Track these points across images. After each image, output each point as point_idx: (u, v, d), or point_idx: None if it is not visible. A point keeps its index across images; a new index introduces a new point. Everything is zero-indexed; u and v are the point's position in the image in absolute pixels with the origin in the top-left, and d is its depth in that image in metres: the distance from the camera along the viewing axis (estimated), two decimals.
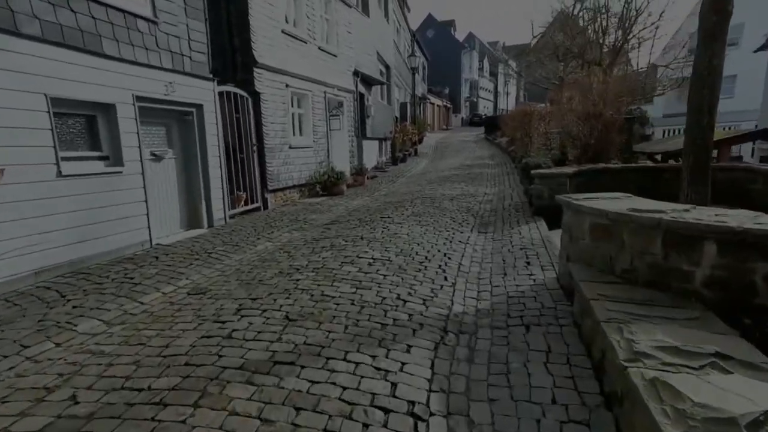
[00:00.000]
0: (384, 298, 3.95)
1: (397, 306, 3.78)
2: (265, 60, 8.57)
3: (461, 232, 6.53)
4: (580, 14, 16.00)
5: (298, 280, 4.43)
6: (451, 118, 50.46)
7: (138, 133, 5.48)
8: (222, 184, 7.24)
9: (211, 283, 4.50)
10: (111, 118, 5.16)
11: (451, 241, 6.01)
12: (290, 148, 9.64)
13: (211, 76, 6.94)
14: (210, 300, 3.98)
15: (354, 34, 13.17)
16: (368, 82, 14.92)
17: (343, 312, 3.63)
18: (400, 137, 18.70)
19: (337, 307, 3.73)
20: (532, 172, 7.69)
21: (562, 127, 9.81)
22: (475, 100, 58.66)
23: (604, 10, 14.41)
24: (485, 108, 61.21)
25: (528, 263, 4.98)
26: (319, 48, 10.82)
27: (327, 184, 10.89)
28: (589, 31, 15.19)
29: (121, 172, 5.24)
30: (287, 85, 9.42)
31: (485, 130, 30.87)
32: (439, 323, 3.53)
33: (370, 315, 3.59)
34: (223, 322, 3.42)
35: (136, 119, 5.43)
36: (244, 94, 8.22)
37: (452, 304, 3.95)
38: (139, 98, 5.49)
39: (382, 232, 6.47)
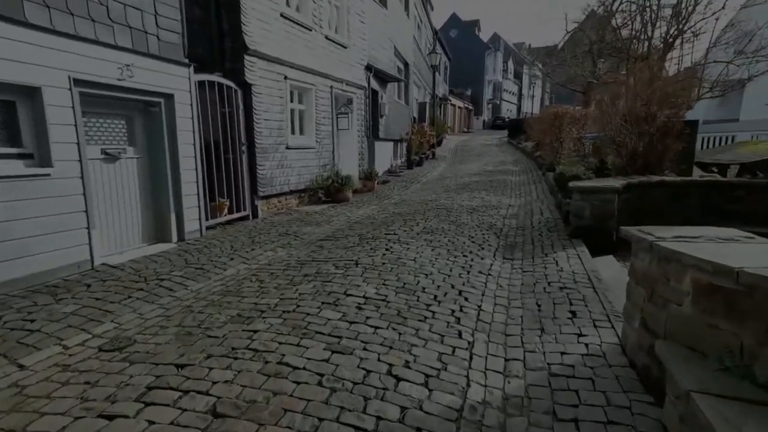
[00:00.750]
0: (368, 372, 2.70)
1: (385, 390, 2.53)
2: (259, 47, 7.43)
3: (482, 258, 5.24)
4: (621, 8, 14.38)
5: (255, 331, 3.22)
6: (472, 121, 48.87)
7: (77, 125, 4.36)
8: (198, 190, 6.11)
9: (140, 330, 3.33)
10: (36, 105, 4.05)
11: (468, 272, 4.72)
12: (287, 148, 8.48)
13: (186, 60, 5.82)
14: (121, 364, 2.79)
15: (368, 25, 11.97)
16: (383, 78, 13.70)
17: (302, 401, 2.39)
18: (417, 139, 17.42)
19: (295, 389, 2.49)
20: (570, 184, 6.32)
21: (602, 131, 8.36)
22: (498, 102, 56.89)
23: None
24: (509, 111, 59.37)
25: (573, 314, 3.66)
26: (326, 37, 9.65)
27: (330, 190, 9.70)
28: (637, 22, 13.55)
29: (49, 175, 4.12)
30: (286, 77, 8.27)
31: (509, 133, 29.34)
32: (446, 427, 2.27)
33: (341, 408, 2.35)
34: (111, 418, 2.22)
35: (73, 108, 4.32)
36: (233, 85, 7.09)
37: (468, 384, 2.68)
38: (79, 82, 4.38)
39: (384, 255, 5.22)
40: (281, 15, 8.01)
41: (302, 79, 8.84)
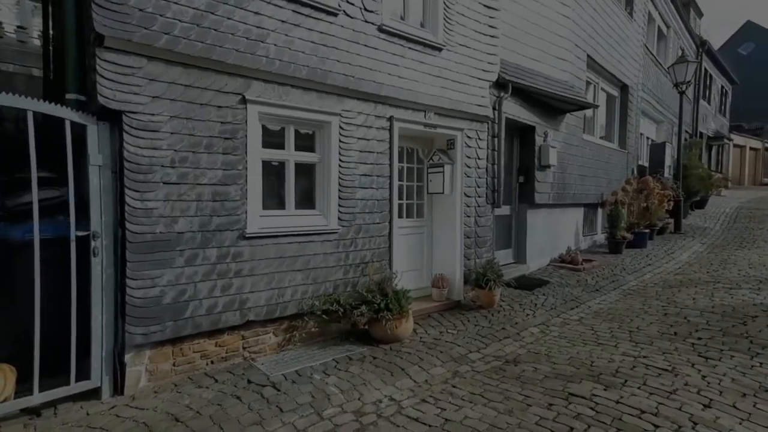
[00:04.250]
0: None
1: None
2: (144, 35, 3.64)
3: None
4: None
5: None
6: None
7: None
8: None
9: None
10: None
11: None
12: (245, 238, 4.21)
13: None
14: None
15: (508, 12, 6.85)
16: (546, 103, 7.90)
17: None
18: (636, 202, 10.21)
19: None
20: None
21: None
22: None
23: None
24: None
25: None
26: (381, 28, 5.18)
27: (372, 317, 4.80)
28: None
29: None
30: (245, 99, 4.19)
31: None
32: None
33: None
34: None
35: None
36: (70, 116, 3.46)
37: None
38: None
39: None
40: None
41: (299, 104, 4.57)
